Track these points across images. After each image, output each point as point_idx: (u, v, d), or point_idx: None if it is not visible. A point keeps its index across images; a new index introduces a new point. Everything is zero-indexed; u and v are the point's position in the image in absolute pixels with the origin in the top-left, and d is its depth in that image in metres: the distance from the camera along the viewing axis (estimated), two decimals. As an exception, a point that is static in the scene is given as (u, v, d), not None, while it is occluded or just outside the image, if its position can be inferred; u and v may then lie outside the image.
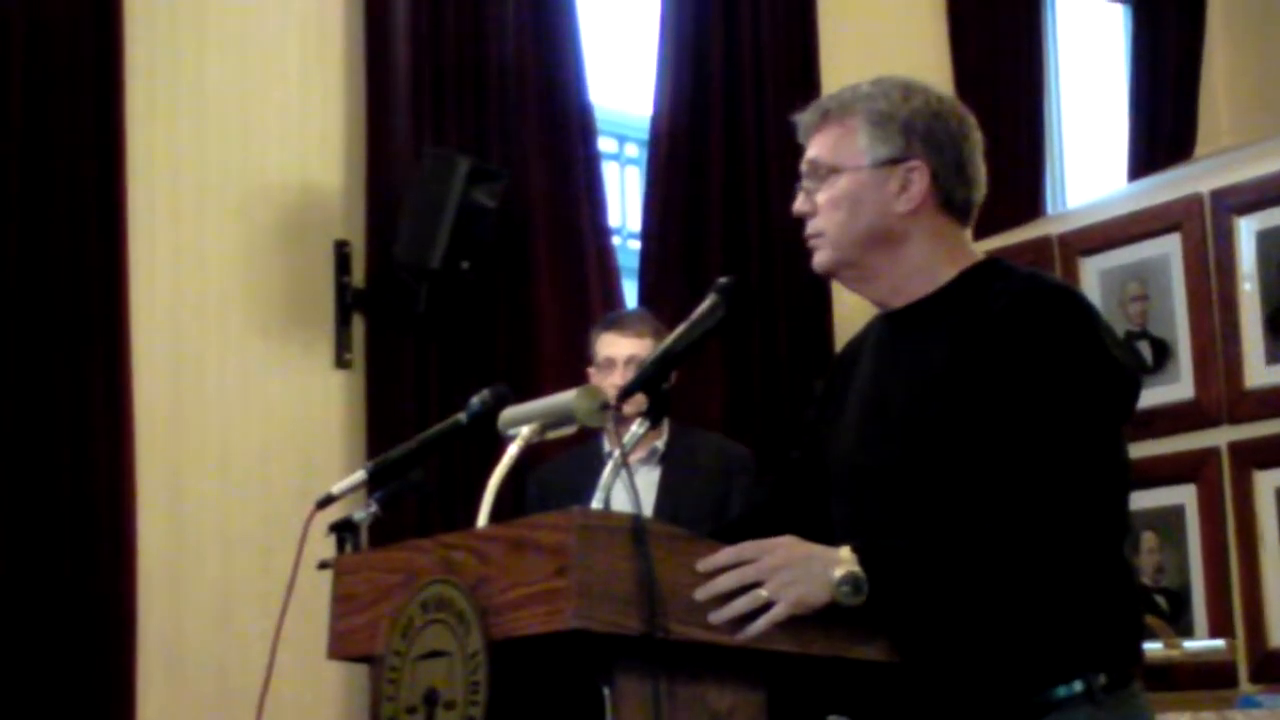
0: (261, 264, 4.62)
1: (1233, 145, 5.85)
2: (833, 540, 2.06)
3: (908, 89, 2.29)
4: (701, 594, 1.95)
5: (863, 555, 2.01)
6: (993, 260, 2.34)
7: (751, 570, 1.97)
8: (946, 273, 2.27)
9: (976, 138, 2.32)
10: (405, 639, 2.05)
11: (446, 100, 4.84)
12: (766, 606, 1.96)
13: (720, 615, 1.95)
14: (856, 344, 2.43)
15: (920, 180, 2.25)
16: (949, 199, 2.28)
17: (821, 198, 2.27)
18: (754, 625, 1.96)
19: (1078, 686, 2.12)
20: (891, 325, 2.32)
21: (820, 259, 2.30)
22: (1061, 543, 2.08)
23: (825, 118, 2.29)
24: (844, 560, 2.00)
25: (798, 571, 1.98)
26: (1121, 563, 2.21)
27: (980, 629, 2.08)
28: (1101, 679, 2.13)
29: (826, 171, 2.27)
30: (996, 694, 2.12)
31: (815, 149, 2.29)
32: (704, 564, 1.97)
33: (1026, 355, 2.12)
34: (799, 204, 2.31)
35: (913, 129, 2.25)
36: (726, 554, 1.98)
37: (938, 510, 2.11)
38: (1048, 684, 2.12)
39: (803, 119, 2.34)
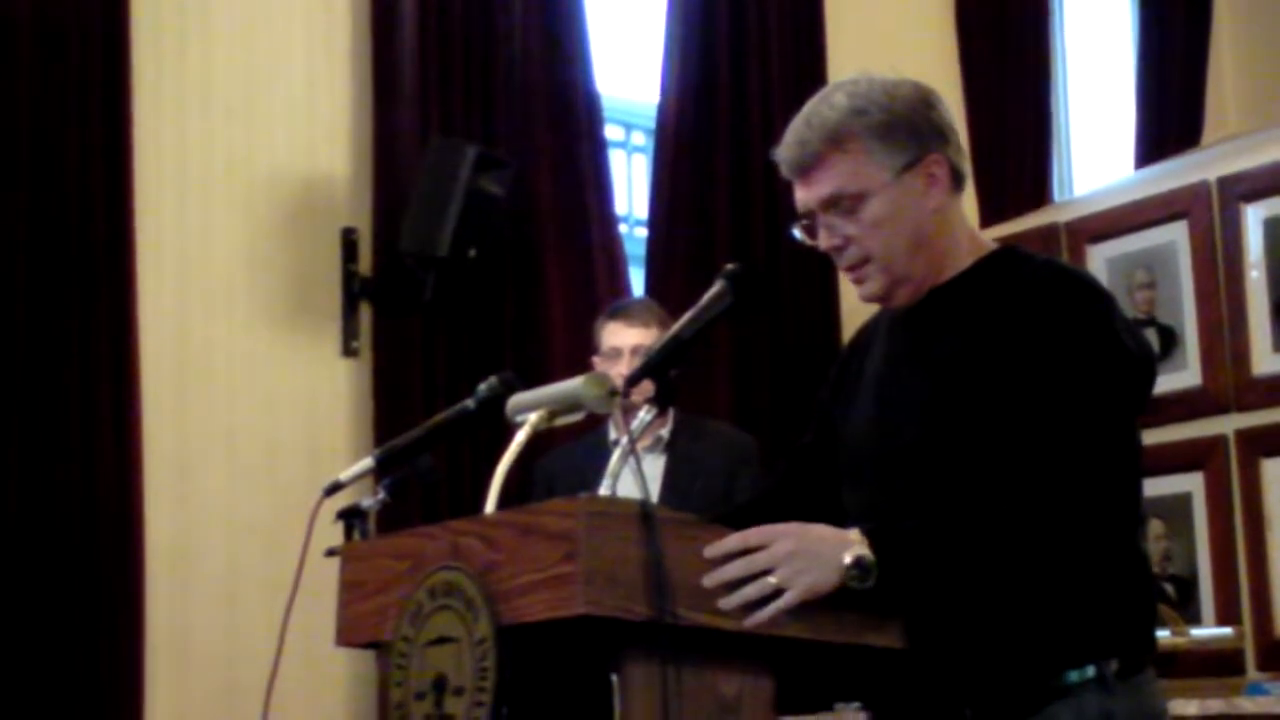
0: (268, 252, 4.62)
1: (1240, 132, 5.84)
2: (843, 525, 2.06)
3: (886, 88, 2.25)
4: (710, 581, 1.95)
5: (872, 538, 2.00)
6: (1011, 248, 2.34)
7: (761, 557, 1.96)
8: (963, 260, 2.28)
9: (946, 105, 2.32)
10: (413, 625, 2.05)
11: (453, 88, 4.83)
12: (776, 593, 1.96)
13: (729, 602, 1.95)
14: (870, 329, 2.43)
15: (941, 171, 2.25)
16: (959, 177, 2.29)
17: (856, 227, 2.23)
18: (763, 612, 1.95)
19: (1090, 672, 2.12)
20: (907, 311, 2.31)
21: (873, 286, 2.26)
22: (1073, 528, 2.07)
23: (822, 149, 2.22)
24: (853, 543, 2.00)
25: (807, 558, 1.98)
26: (1135, 549, 2.21)
27: (991, 613, 2.08)
28: (1114, 664, 2.13)
29: (853, 201, 2.22)
30: (1007, 678, 2.12)
31: (829, 184, 2.23)
32: (711, 550, 1.96)
33: (1042, 342, 2.12)
34: (825, 240, 2.26)
35: (915, 126, 2.24)
36: (734, 540, 1.97)
37: (951, 495, 2.10)
38: (1059, 669, 2.12)
39: (787, 157, 2.26)
